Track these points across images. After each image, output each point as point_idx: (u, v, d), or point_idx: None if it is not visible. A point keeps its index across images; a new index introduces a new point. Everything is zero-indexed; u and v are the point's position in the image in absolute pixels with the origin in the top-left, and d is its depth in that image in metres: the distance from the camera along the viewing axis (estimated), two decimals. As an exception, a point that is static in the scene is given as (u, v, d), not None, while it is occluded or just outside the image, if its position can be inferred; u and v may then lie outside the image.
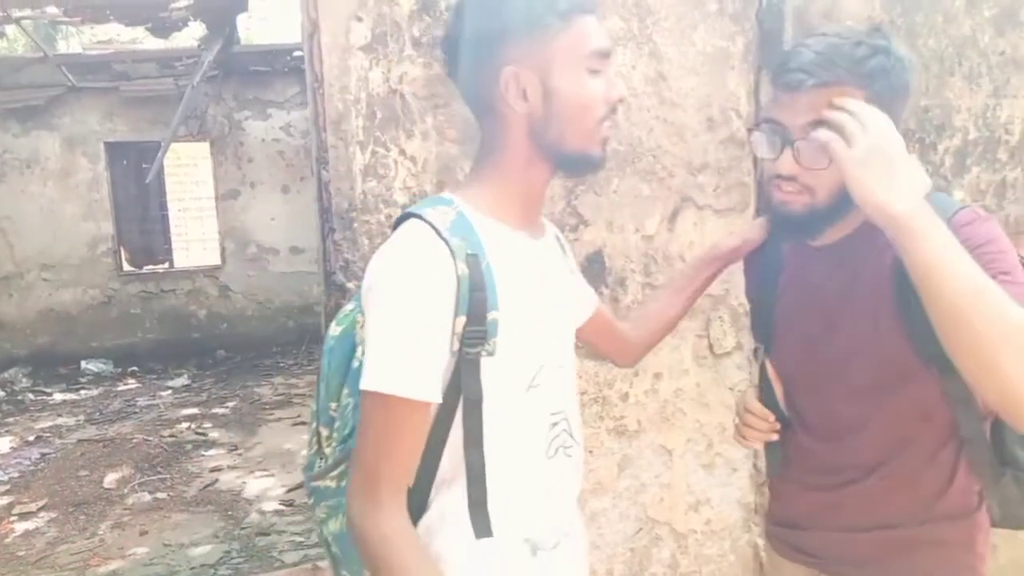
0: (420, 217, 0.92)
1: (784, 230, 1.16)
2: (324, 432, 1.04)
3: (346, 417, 1.00)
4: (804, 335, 1.18)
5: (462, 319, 0.90)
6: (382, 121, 1.65)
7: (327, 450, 1.04)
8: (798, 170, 1.04)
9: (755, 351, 1.32)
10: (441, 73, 1.69)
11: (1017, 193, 2.40)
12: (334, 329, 1.04)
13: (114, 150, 7.68)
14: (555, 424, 1.03)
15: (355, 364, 0.99)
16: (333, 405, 1.02)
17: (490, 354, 0.92)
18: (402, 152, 1.67)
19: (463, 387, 0.92)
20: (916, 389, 1.09)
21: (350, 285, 1.65)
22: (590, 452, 1.92)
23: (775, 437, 1.23)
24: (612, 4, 1.84)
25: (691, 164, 1.97)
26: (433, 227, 0.91)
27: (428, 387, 0.89)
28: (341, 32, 1.60)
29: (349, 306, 1.06)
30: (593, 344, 1.32)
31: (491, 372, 0.93)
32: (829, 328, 1.14)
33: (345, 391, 1.01)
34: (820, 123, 1.00)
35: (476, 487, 0.95)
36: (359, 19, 1.61)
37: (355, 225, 1.64)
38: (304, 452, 1.13)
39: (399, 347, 0.88)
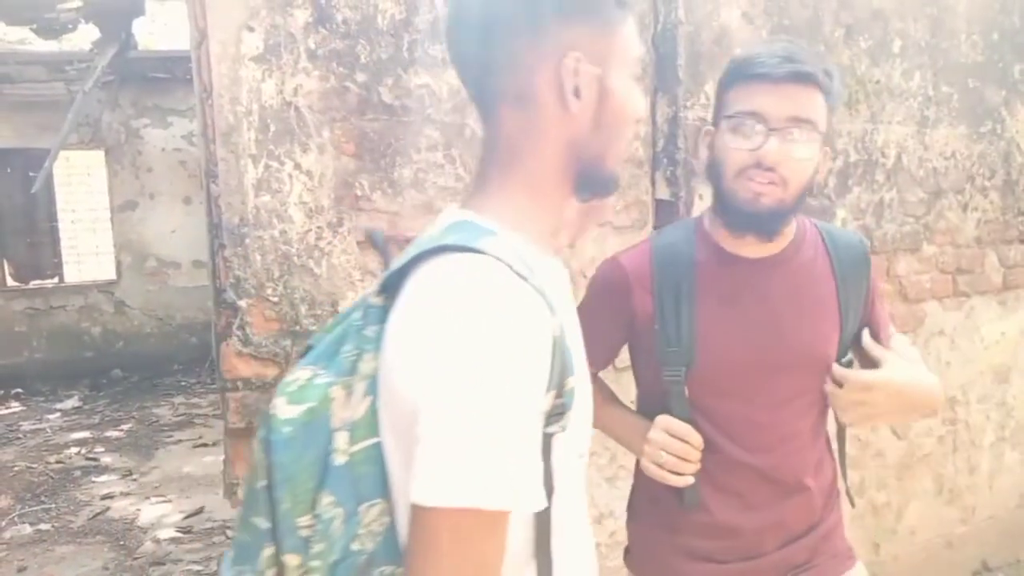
0: (480, 252, 0.68)
1: (750, 225, 1.15)
2: (292, 561, 0.71)
3: (330, 536, 0.70)
4: (749, 346, 1.17)
5: (552, 393, 0.68)
6: (276, 134, 1.60)
7: None
8: (782, 159, 1.08)
9: (666, 377, 1.19)
10: (339, 86, 1.67)
11: (893, 212, 2.56)
12: (288, 410, 0.71)
13: (-3, 157, 7.19)
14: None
15: (338, 460, 0.70)
16: (304, 520, 0.71)
17: (563, 430, 0.71)
18: (297, 166, 1.63)
19: None
20: (822, 389, 1.21)
21: (241, 303, 1.59)
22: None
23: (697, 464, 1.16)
24: (512, 23, 1.86)
25: (591, 182, 2.01)
26: (513, 269, 0.67)
27: (538, 493, 0.68)
28: (231, 42, 1.55)
29: (304, 373, 0.74)
30: None
31: (559, 453, 0.72)
32: (779, 336, 1.18)
33: (327, 499, 0.70)
34: (799, 118, 1.08)
35: None
36: (251, 29, 1.57)
37: (247, 241, 1.59)
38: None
39: (500, 444, 0.63)
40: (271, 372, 1.62)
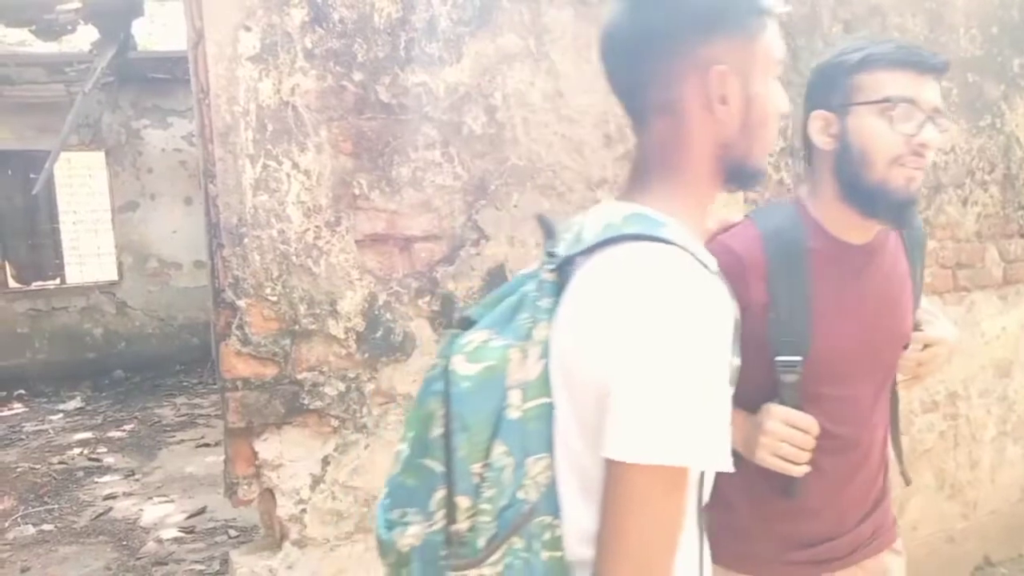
0: (669, 242, 0.76)
1: (894, 212, 1.17)
2: (464, 503, 0.77)
3: (501, 483, 0.77)
4: (861, 330, 1.21)
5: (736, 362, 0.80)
6: (273, 134, 1.60)
7: (473, 527, 0.77)
8: (934, 146, 1.13)
9: (780, 366, 1.18)
10: (336, 85, 1.67)
11: (893, 207, 2.55)
12: (467, 367, 0.80)
13: (-2, 159, 7.20)
14: None
15: (511, 415, 0.77)
16: (477, 467, 0.77)
17: None
18: (295, 166, 1.63)
19: None
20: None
21: (240, 303, 1.59)
22: (494, 466, 1.92)
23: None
24: (509, 22, 1.86)
25: (590, 180, 2.00)
26: (696, 258, 0.77)
27: (727, 455, 0.75)
28: (228, 42, 1.56)
29: (479, 335, 0.82)
30: None
31: None
32: (882, 318, 1.24)
33: (499, 448, 0.77)
34: (939, 108, 1.14)
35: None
36: (247, 29, 1.57)
37: (245, 240, 1.59)
38: (377, 518, 0.86)
39: (698, 408, 0.71)
40: (270, 371, 1.62)
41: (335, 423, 1.69)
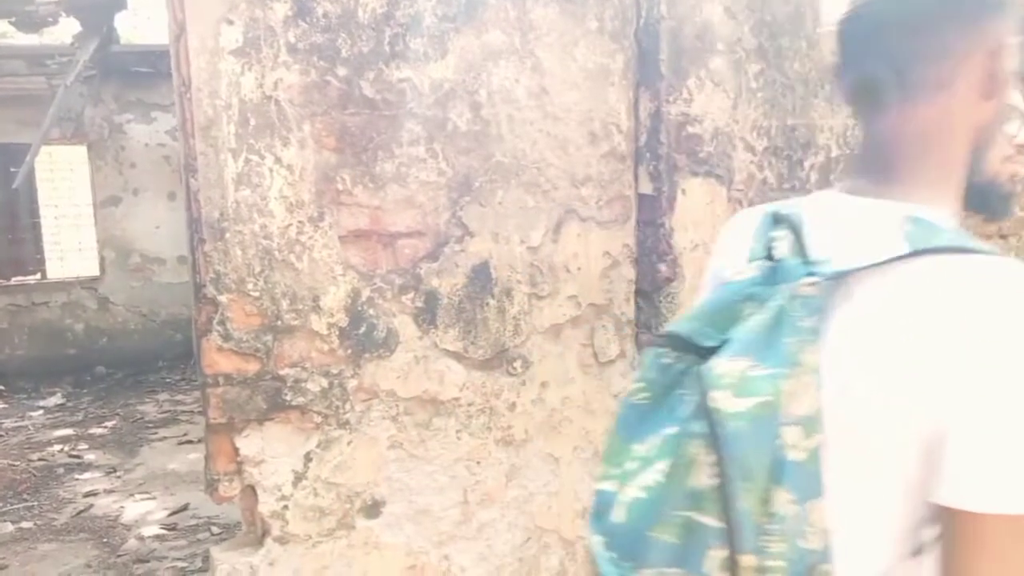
0: (988, 254, 0.69)
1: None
2: (750, 562, 0.67)
3: (788, 534, 0.68)
4: None
5: None
6: (256, 128, 1.59)
7: None
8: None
9: None
10: (319, 80, 1.66)
11: (874, 207, 2.58)
12: (737, 403, 0.68)
13: (-23, 152, 7.10)
14: None
15: (794, 456, 0.68)
16: (763, 519, 0.68)
17: None
18: (278, 160, 1.62)
19: None
20: None
21: (221, 298, 1.58)
22: (477, 463, 1.92)
23: None
24: (495, 18, 1.86)
25: (574, 177, 2.01)
26: None
27: None
28: (210, 35, 1.54)
29: (736, 364, 0.70)
30: None
31: None
32: None
33: (784, 496, 0.67)
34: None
35: None
36: (230, 22, 1.55)
37: (227, 236, 1.58)
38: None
39: None
40: (252, 367, 1.61)
41: (318, 419, 1.68)
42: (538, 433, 2.01)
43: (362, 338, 1.72)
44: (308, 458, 1.68)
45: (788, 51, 2.32)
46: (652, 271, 2.09)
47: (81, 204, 8.24)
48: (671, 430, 0.71)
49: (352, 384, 1.71)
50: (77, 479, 4.59)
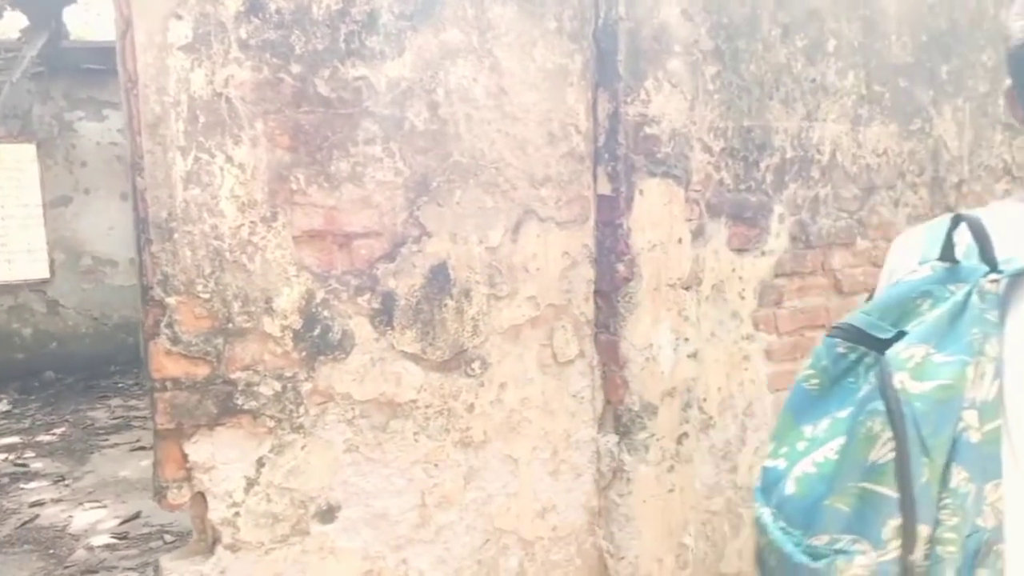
0: None
1: None
2: (924, 531, 0.74)
3: (965, 510, 0.74)
4: None
5: None
6: (206, 126, 1.55)
7: (930, 556, 0.74)
8: None
9: None
10: (272, 77, 1.62)
11: (828, 208, 2.63)
12: (918, 385, 0.74)
13: (-83, 150, 6.83)
14: None
15: (972, 438, 0.74)
16: (940, 493, 0.74)
17: None
18: (229, 159, 1.58)
19: None
20: None
21: (170, 300, 1.54)
22: (435, 465, 1.90)
23: None
24: (452, 16, 1.84)
25: (533, 177, 2.00)
26: None
27: None
28: (158, 30, 1.50)
29: (917, 350, 0.76)
30: None
31: None
32: None
33: (960, 475, 0.74)
34: None
35: None
36: (179, 17, 1.51)
37: (176, 236, 1.53)
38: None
39: None
40: (202, 371, 1.57)
41: (271, 423, 1.64)
42: (497, 434, 2.00)
43: (317, 340, 1.69)
44: (261, 463, 1.64)
45: (744, 53, 2.35)
46: (611, 271, 2.10)
47: (30, 204, 7.97)
48: (843, 412, 0.79)
49: (306, 387, 1.68)
50: (23, 488, 4.43)
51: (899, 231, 2.87)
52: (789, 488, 0.80)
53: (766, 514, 0.82)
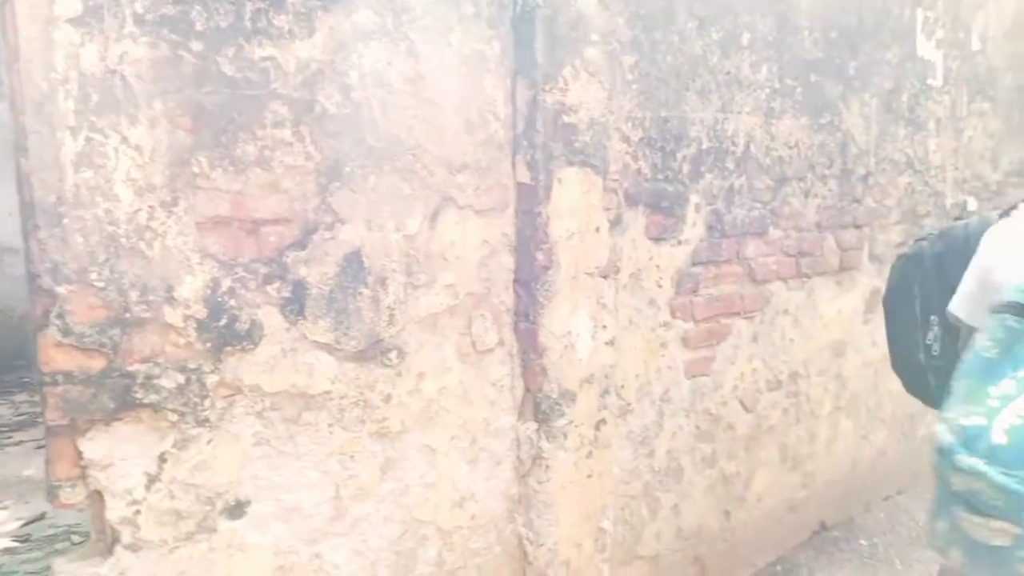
0: None
1: None
2: None
3: None
4: None
5: None
6: (98, 104, 1.46)
7: None
8: None
9: None
10: (171, 55, 1.54)
11: (742, 198, 2.70)
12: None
13: None
14: None
15: None
16: None
17: None
18: (124, 140, 1.50)
19: None
20: None
21: (60, 289, 1.45)
22: (351, 457, 1.87)
23: None
24: (366, -3, 1.79)
25: (451, 164, 1.98)
26: None
27: None
28: (43, 2, 1.40)
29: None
30: None
31: None
32: None
33: None
34: None
35: None
36: (66, -13, 1.42)
37: (65, 221, 1.45)
38: None
39: None
40: (97, 364, 1.49)
41: (173, 417, 1.58)
42: (415, 424, 1.98)
43: (223, 331, 1.63)
44: (163, 459, 1.57)
45: (662, 45, 2.38)
46: (530, 260, 2.10)
47: (-79, 188, 7.45)
48: (1022, 372, 0.96)
49: (212, 379, 1.62)
50: (-85, 491, 4.15)
51: (809, 221, 2.98)
52: (999, 438, 0.95)
53: (974, 464, 0.95)
